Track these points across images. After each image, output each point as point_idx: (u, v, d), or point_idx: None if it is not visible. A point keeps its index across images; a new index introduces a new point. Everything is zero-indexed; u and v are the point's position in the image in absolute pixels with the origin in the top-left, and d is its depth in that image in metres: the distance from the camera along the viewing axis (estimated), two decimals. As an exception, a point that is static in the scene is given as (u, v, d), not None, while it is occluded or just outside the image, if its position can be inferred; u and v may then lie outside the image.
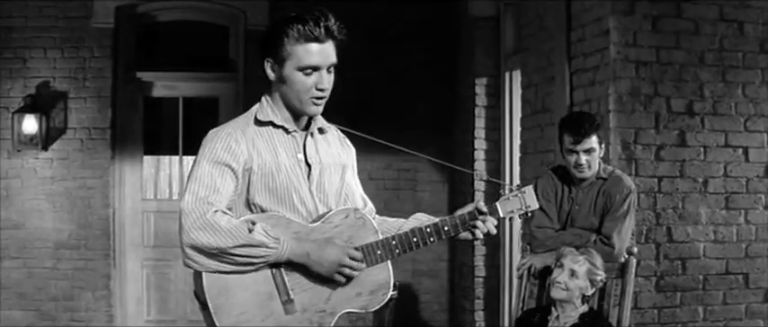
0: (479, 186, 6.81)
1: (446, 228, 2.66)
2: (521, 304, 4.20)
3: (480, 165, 6.84)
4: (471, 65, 6.89)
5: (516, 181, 6.44)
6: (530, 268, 4.16)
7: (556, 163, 4.74)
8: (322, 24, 2.52)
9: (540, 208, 4.25)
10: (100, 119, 7.06)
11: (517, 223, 6.39)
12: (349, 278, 2.54)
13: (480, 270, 6.84)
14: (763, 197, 5.03)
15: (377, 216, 2.84)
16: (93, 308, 7.01)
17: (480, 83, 6.83)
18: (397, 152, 7.03)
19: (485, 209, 2.68)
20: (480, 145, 6.84)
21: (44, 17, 7.03)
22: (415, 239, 2.63)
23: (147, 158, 7.38)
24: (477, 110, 6.83)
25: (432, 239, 2.65)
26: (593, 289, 3.76)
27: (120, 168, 7.22)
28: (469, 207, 2.70)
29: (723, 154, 4.96)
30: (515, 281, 4.37)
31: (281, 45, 2.52)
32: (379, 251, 2.59)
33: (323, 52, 2.54)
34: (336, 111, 7.84)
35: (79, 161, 7.06)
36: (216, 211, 2.41)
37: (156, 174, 7.59)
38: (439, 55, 7.38)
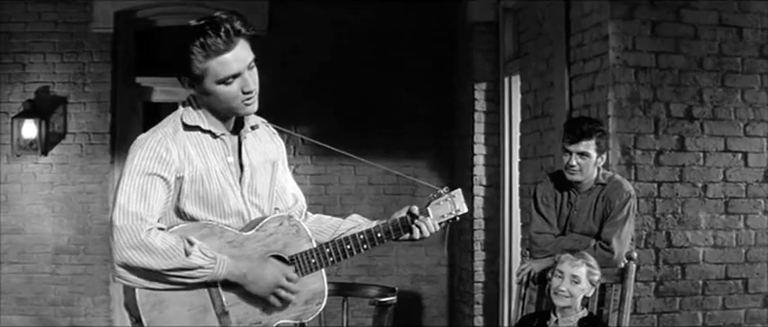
0: (479, 191, 6.81)
1: (379, 234, 2.63)
2: (520, 310, 4.20)
3: (480, 170, 6.85)
4: (471, 70, 6.89)
5: (516, 186, 6.44)
6: (529, 273, 4.15)
7: (555, 169, 4.74)
8: (223, 31, 2.37)
9: (540, 213, 4.26)
10: (99, 123, 7.06)
11: (517, 226, 6.39)
12: (284, 301, 2.49)
13: (480, 276, 6.84)
14: (762, 202, 5.03)
15: (310, 213, 2.80)
16: (93, 313, 7.01)
17: (480, 88, 6.83)
18: (397, 157, 7.07)
19: (417, 213, 2.66)
20: (480, 150, 6.84)
21: (43, 22, 7.03)
22: (348, 246, 2.59)
23: (146, 163, 7.37)
24: (476, 115, 6.83)
25: (365, 246, 2.61)
26: (593, 290, 3.76)
27: (119, 173, 7.21)
28: (403, 212, 2.67)
29: (722, 159, 4.96)
30: (514, 286, 4.37)
31: (190, 65, 2.40)
32: (313, 260, 2.55)
33: (237, 57, 2.39)
34: (336, 115, 7.81)
35: (78, 166, 7.06)
36: (150, 230, 2.32)
37: (155, 179, 7.58)
38: (438, 60, 7.39)
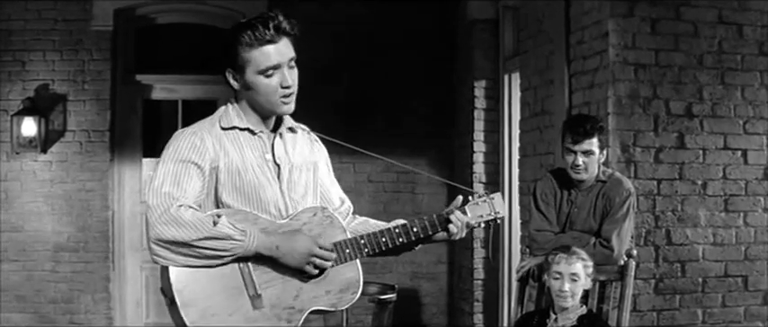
0: (479, 189, 6.81)
1: (415, 229, 2.67)
2: (520, 307, 4.20)
3: (479, 168, 6.85)
4: (470, 67, 6.89)
5: (515, 183, 6.45)
6: (529, 270, 4.15)
7: (555, 166, 4.74)
8: (271, 25, 2.51)
9: (539, 211, 4.26)
10: (99, 121, 7.06)
11: (517, 224, 6.39)
12: (320, 270, 2.52)
13: (479, 273, 6.84)
14: (762, 199, 5.03)
15: (359, 217, 2.84)
16: (93, 311, 7.01)
17: (479, 85, 6.83)
18: (397, 154, 7.06)
19: (453, 211, 2.71)
20: (479, 147, 6.84)
21: (43, 20, 7.03)
22: (383, 239, 2.63)
23: (146, 161, 7.37)
24: (476, 113, 6.83)
25: (400, 239, 2.65)
26: (590, 281, 3.77)
27: (119, 171, 7.22)
28: (444, 211, 2.72)
29: (722, 157, 4.96)
30: (514, 284, 4.37)
31: (236, 54, 2.53)
32: (347, 250, 2.58)
33: (279, 50, 2.53)
34: (336, 113, 7.80)
35: (78, 163, 7.06)
36: (180, 206, 2.39)
37: (155, 177, 7.58)
38: (438, 57, 7.38)
